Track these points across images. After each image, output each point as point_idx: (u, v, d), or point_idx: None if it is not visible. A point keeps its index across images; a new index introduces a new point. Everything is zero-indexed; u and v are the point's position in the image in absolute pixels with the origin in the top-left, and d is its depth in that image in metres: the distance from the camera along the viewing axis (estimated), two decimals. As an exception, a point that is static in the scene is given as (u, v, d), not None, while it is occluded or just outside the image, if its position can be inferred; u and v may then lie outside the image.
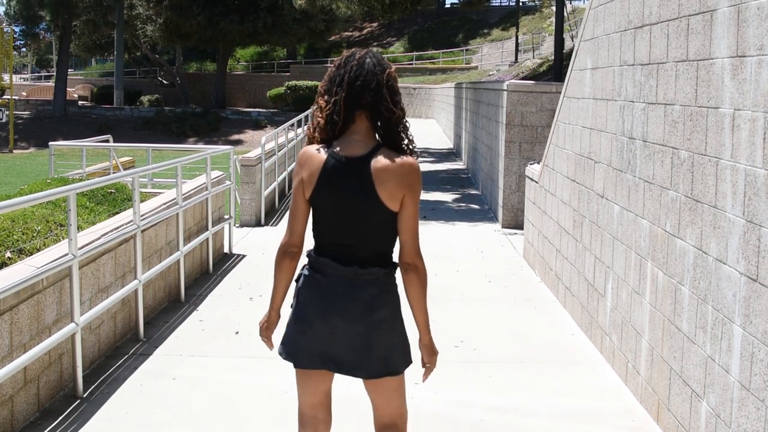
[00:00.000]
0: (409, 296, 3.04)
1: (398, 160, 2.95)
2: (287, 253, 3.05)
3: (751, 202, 3.47)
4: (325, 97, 3.03)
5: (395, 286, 3.07)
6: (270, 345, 3.24)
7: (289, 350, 3.08)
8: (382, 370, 3.05)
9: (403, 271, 3.02)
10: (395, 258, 3.07)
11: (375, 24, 56.33)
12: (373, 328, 2.99)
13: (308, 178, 2.98)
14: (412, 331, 3.09)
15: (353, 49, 3.12)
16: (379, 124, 3.01)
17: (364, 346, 2.99)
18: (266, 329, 3.21)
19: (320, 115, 3.03)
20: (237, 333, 6.38)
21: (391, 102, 2.99)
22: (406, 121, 3.06)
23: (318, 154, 2.98)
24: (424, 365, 3.13)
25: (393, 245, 3.06)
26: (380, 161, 2.94)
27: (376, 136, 3.03)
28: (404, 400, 3.19)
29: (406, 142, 3.02)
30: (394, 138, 3.01)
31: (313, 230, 3.08)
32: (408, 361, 3.11)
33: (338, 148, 2.96)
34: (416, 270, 3.00)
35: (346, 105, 2.97)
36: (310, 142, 3.06)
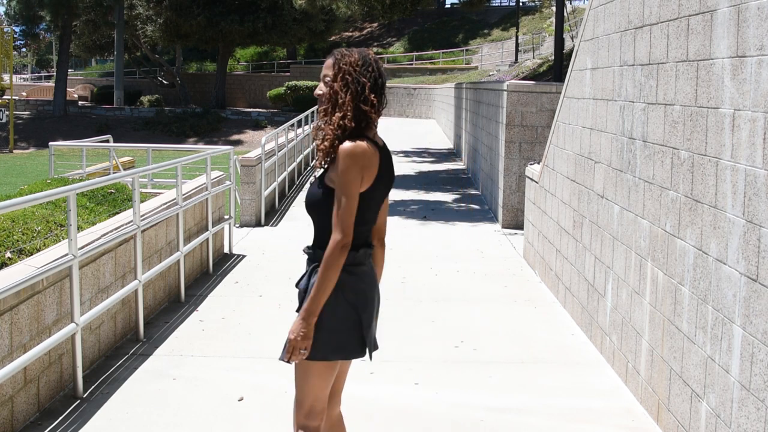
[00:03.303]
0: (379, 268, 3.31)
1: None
2: (345, 247, 2.98)
3: (751, 202, 3.47)
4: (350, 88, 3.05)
5: None
6: (303, 357, 3.04)
7: (356, 347, 3.10)
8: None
9: (379, 247, 3.27)
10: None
11: (375, 24, 56.33)
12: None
13: (368, 172, 3.02)
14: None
15: (352, 49, 3.15)
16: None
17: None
18: (308, 339, 3.01)
19: (349, 105, 3.01)
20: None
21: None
22: None
23: (371, 146, 3.04)
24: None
25: None
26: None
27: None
28: None
29: None
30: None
31: (355, 225, 3.02)
32: None
33: (378, 140, 3.10)
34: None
35: (372, 91, 3.03)
36: (342, 134, 3.01)
